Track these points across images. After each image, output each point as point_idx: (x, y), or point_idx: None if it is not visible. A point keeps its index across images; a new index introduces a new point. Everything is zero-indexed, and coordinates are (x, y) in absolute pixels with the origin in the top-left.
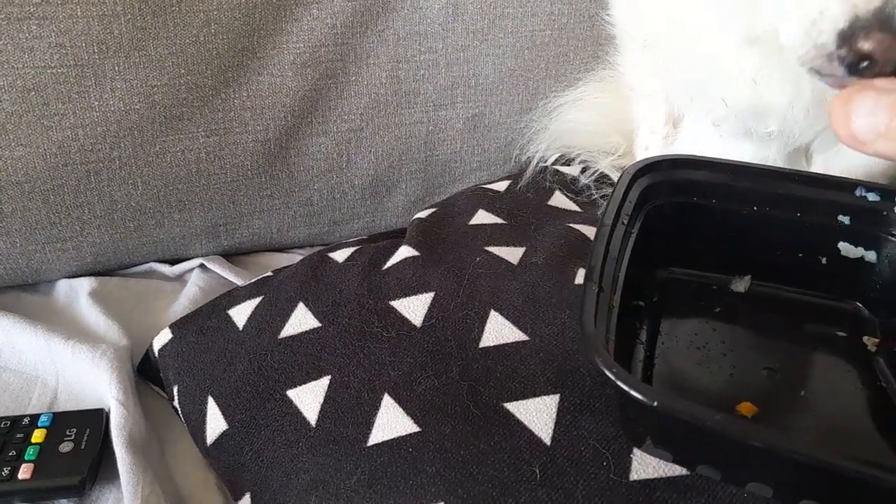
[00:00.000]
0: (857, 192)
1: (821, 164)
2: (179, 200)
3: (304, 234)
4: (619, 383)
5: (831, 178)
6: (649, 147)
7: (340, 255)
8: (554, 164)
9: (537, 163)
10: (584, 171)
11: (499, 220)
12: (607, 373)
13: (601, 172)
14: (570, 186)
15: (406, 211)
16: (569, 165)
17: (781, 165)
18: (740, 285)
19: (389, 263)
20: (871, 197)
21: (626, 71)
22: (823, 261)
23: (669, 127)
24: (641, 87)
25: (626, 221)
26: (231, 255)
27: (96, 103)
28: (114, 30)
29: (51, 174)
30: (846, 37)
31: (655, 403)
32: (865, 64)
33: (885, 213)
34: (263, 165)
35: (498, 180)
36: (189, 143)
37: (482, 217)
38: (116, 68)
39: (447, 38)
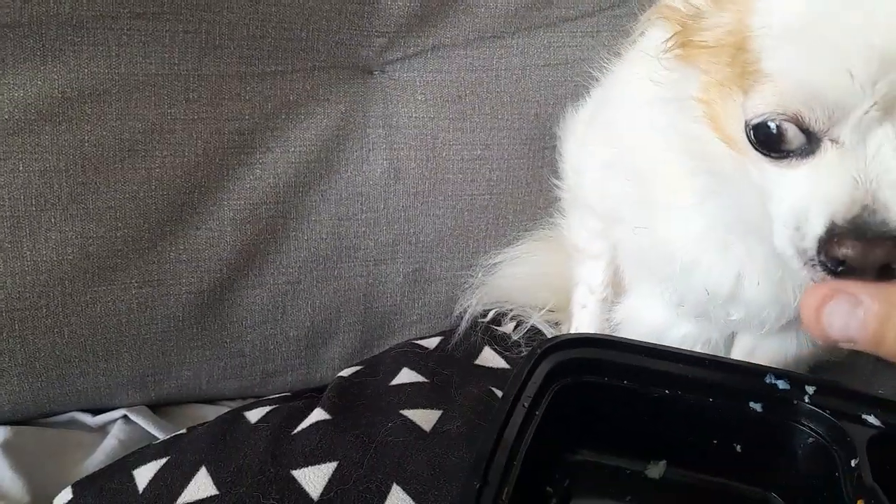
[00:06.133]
0: (767, 379)
1: (748, 345)
2: (106, 350)
3: (235, 385)
4: None
5: (742, 364)
6: (587, 306)
7: (254, 415)
8: (489, 319)
9: (469, 318)
10: (517, 326)
11: (421, 379)
12: None
13: (533, 327)
14: (500, 342)
15: (343, 362)
16: (501, 323)
17: (721, 347)
18: (655, 471)
19: (300, 427)
20: (781, 385)
21: (572, 233)
22: (738, 448)
23: (610, 290)
24: (588, 248)
25: (527, 404)
26: (159, 406)
27: (28, 253)
28: (54, 184)
29: None
30: (824, 243)
31: None
32: (842, 268)
33: (794, 401)
34: (196, 316)
35: (430, 336)
36: (121, 294)
37: (405, 376)
38: (52, 220)
39: (388, 199)
